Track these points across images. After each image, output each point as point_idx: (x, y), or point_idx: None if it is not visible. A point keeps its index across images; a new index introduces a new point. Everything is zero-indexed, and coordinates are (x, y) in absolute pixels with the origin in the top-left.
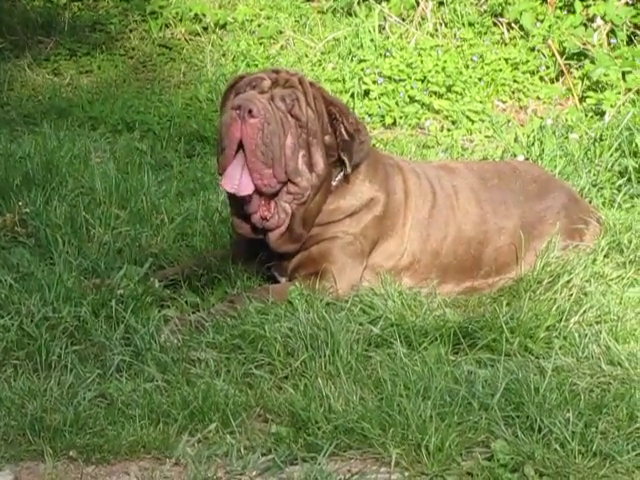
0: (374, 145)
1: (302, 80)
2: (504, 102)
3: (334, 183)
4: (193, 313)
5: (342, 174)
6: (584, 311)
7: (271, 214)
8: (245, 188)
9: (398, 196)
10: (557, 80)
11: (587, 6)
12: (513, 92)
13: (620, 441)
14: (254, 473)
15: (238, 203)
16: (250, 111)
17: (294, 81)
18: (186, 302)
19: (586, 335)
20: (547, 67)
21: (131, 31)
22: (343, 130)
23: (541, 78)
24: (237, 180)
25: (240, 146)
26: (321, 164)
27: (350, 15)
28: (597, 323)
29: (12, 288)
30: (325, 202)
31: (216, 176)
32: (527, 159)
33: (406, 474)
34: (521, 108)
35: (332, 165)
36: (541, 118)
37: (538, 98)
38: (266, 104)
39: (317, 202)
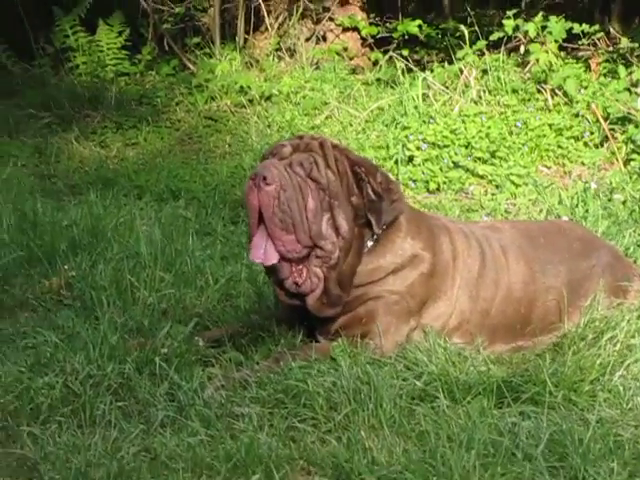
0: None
1: (323, 143)
2: (548, 167)
3: (370, 243)
4: (237, 371)
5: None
6: (628, 365)
7: (303, 279)
8: (270, 257)
9: (445, 256)
10: (601, 145)
11: (630, 72)
12: (557, 157)
13: None
14: None
15: (270, 271)
16: (265, 178)
17: (314, 145)
18: (230, 360)
19: (630, 388)
20: (591, 132)
21: (177, 104)
22: (370, 190)
23: (585, 144)
24: (262, 250)
25: (262, 214)
26: (345, 226)
27: (394, 87)
28: None
29: (57, 347)
30: (360, 263)
31: None
32: (571, 220)
33: None
34: (565, 173)
35: (363, 225)
36: (585, 182)
37: (582, 163)
38: (282, 170)
39: (350, 264)
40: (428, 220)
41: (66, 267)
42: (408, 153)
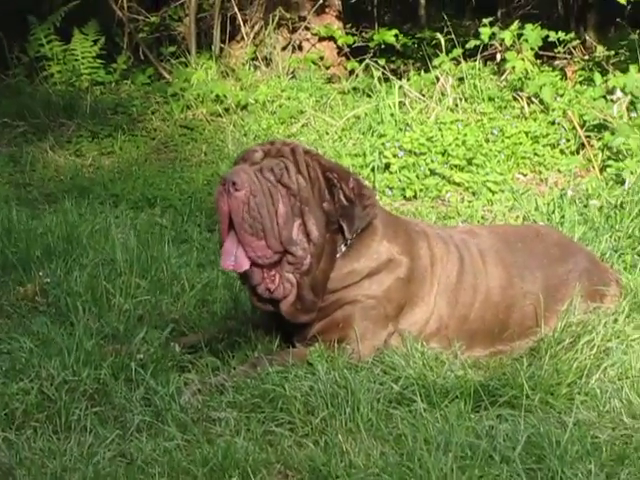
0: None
1: (295, 149)
2: (525, 175)
3: (343, 248)
4: (214, 376)
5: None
6: (605, 368)
7: (275, 285)
8: (241, 264)
9: (423, 261)
10: (577, 153)
11: (606, 80)
12: (533, 165)
13: None
14: None
15: (243, 277)
16: (234, 184)
17: (285, 150)
18: (206, 365)
19: (607, 391)
20: (567, 140)
21: (153, 113)
22: (342, 196)
23: (561, 151)
24: (233, 257)
25: (232, 220)
26: (315, 232)
27: (370, 95)
28: (619, 380)
29: (32, 353)
30: (332, 268)
31: None
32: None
33: None
34: (542, 181)
35: (336, 231)
36: (562, 189)
37: (559, 171)
38: (252, 176)
39: (323, 269)
40: (406, 225)
41: (41, 274)
42: (385, 161)
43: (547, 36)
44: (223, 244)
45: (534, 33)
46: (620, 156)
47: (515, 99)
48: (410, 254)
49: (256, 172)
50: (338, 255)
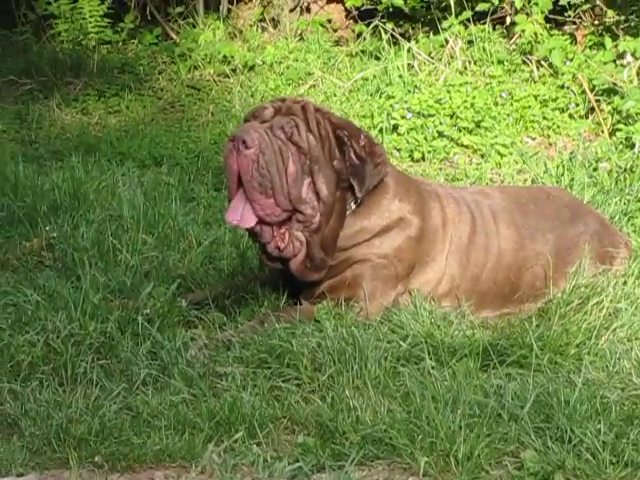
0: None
1: (306, 107)
2: (533, 139)
3: (354, 206)
4: (221, 332)
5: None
6: (614, 329)
7: (285, 244)
8: (247, 220)
9: (435, 221)
10: (587, 117)
11: (616, 45)
12: (542, 129)
13: None
14: None
15: (253, 235)
16: (244, 142)
17: (296, 108)
18: (213, 321)
19: (617, 352)
20: (577, 104)
21: (160, 73)
22: (352, 154)
23: (570, 115)
24: (239, 213)
25: (240, 178)
26: (325, 191)
27: (379, 58)
28: (628, 340)
29: (39, 305)
30: (342, 226)
31: None
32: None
33: None
34: (550, 145)
35: (346, 189)
36: (571, 152)
37: (568, 135)
38: (262, 133)
39: (332, 227)
40: (417, 184)
41: (47, 229)
42: (393, 122)
43: (557, 0)
44: (231, 201)
45: None
46: (630, 120)
47: (524, 63)
48: (421, 214)
49: (266, 130)
50: (348, 213)
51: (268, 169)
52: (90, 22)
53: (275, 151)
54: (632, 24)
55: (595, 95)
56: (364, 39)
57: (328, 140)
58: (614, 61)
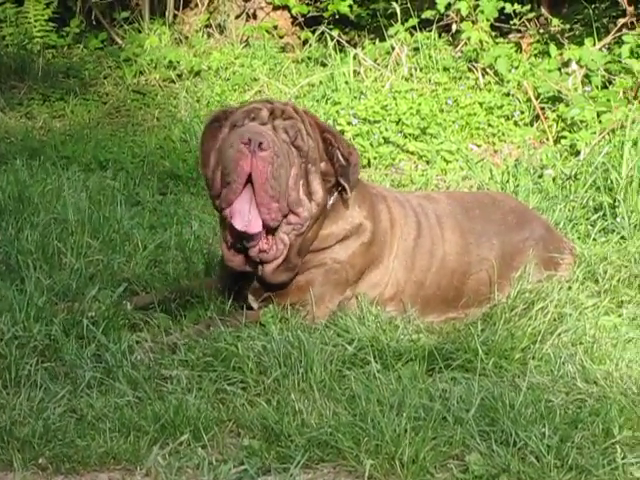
0: None
1: (297, 110)
2: (479, 146)
3: (328, 209)
4: (166, 335)
5: (333, 199)
6: (559, 334)
7: (269, 246)
8: (255, 225)
9: (384, 224)
10: (532, 125)
11: (561, 53)
12: (488, 136)
13: (596, 455)
14: None
15: (237, 236)
16: (260, 144)
17: (290, 111)
18: (159, 325)
19: (561, 356)
20: (522, 112)
21: (105, 77)
22: (340, 155)
23: (515, 123)
24: (247, 217)
25: (248, 181)
26: (320, 192)
27: (325, 64)
28: (572, 345)
29: None
30: (320, 229)
31: (190, 211)
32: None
33: None
34: (496, 152)
35: (328, 191)
36: (516, 159)
37: (512, 142)
38: (274, 137)
39: (314, 230)
40: (367, 188)
41: None
42: (339, 128)
43: (503, 8)
44: (231, 204)
45: (490, 4)
46: (575, 127)
47: (470, 70)
48: (373, 218)
49: (273, 132)
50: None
51: (280, 172)
52: (35, 26)
53: (284, 154)
54: (577, 33)
55: (540, 103)
56: (310, 45)
57: (317, 142)
58: (559, 69)
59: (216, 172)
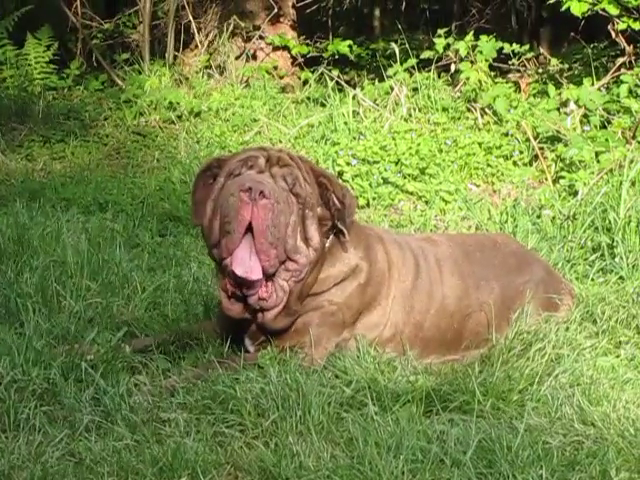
0: None
1: (292, 156)
2: (477, 186)
3: (325, 252)
4: (165, 378)
5: (329, 242)
6: (557, 375)
7: (269, 294)
8: (255, 272)
9: (381, 265)
10: (530, 164)
11: (560, 93)
12: (487, 176)
13: None
14: None
15: (237, 285)
16: (262, 192)
17: (286, 158)
18: (157, 367)
19: (559, 397)
20: (520, 152)
21: (105, 119)
22: (335, 199)
23: (514, 163)
24: (248, 264)
25: (248, 229)
26: (317, 237)
27: (324, 105)
28: (570, 386)
29: None
30: (319, 274)
31: (189, 253)
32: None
33: None
34: (494, 192)
35: (324, 235)
36: (514, 199)
37: (512, 182)
38: (273, 184)
39: (314, 275)
40: (363, 230)
41: None
42: (338, 169)
43: (502, 48)
44: (233, 251)
45: (489, 44)
46: (573, 167)
47: (469, 110)
48: (369, 259)
49: (272, 180)
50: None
51: (280, 219)
52: (35, 68)
53: (284, 201)
54: (575, 72)
55: (539, 143)
56: (310, 86)
57: (314, 188)
58: (557, 109)
59: (213, 221)
